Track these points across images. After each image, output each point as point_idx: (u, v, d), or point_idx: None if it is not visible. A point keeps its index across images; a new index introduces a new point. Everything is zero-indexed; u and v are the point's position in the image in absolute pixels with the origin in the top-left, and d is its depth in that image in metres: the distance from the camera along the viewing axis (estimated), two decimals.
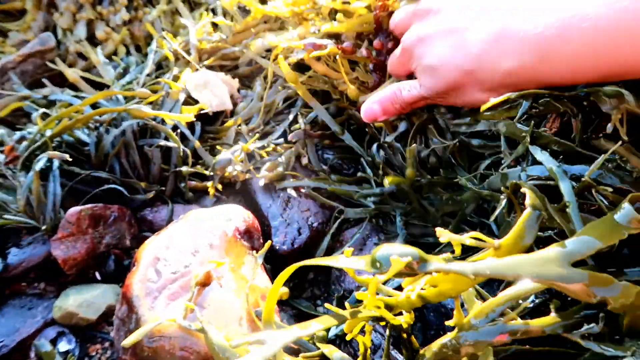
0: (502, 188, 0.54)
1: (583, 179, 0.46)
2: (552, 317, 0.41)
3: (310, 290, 0.76)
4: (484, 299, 0.48)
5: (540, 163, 0.51)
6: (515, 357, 0.45)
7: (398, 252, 0.37)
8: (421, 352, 0.49)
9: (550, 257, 0.36)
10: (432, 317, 0.64)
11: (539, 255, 0.36)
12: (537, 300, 0.47)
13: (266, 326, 0.52)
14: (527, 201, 0.43)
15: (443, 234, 0.39)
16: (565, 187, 0.46)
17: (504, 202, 0.53)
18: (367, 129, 0.78)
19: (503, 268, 0.36)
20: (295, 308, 0.72)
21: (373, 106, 0.68)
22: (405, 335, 0.53)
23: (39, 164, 0.67)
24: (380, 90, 0.70)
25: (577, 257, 0.36)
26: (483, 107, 0.53)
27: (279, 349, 0.41)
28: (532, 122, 0.54)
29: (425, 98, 0.64)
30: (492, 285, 0.55)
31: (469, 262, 0.37)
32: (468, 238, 0.39)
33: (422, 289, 0.43)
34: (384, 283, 0.48)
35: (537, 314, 0.45)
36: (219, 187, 0.81)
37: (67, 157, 0.67)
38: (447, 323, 0.46)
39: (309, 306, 0.73)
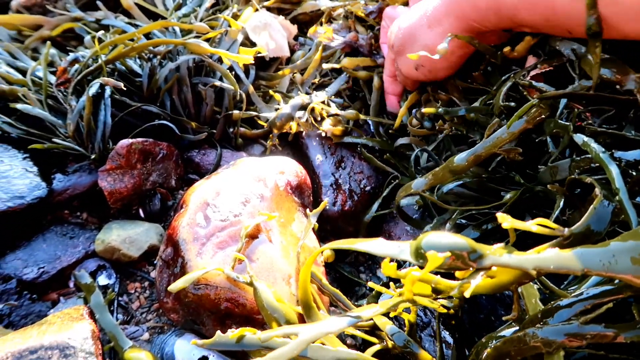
0: (549, 186, 0.49)
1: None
2: (635, 323, 0.36)
3: (354, 255, 0.73)
4: (550, 291, 0.44)
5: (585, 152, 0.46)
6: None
7: (446, 243, 0.33)
8: (482, 341, 0.45)
9: (624, 249, 0.31)
10: (483, 300, 0.60)
11: (609, 246, 0.31)
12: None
13: (304, 303, 0.49)
14: (597, 190, 0.38)
15: (505, 220, 0.34)
16: (614, 172, 0.41)
17: (562, 201, 0.49)
18: None
19: (569, 261, 0.31)
20: (338, 272, 0.70)
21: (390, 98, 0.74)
22: (453, 322, 0.50)
23: (93, 89, 0.63)
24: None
25: None
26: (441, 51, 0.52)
27: (310, 341, 0.38)
28: (575, 111, 0.48)
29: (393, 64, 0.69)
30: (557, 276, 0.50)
31: (529, 255, 0.32)
32: (534, 225, 0.34)
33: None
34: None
35: (609, 315, 0.41)
36: (276, 141, 0.77)
37: (122, 85, 0.64)
38: (505, 318, 0.42)
39: (352, 272, 0.70)
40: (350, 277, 0.69)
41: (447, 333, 0.56)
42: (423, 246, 0.34)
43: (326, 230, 0.71)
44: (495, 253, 0.33)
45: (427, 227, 0.61)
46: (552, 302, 0.40)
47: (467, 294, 0.32)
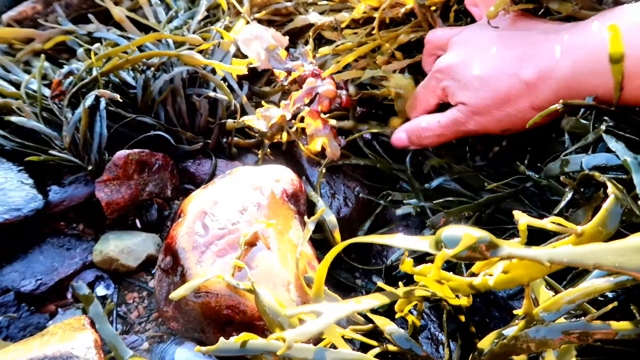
0: (562, 178, 0.51)
1: None
2: (637, 321, 0.38)
3: (350, 263, 0.74)
4: (553, 290, 0.45)
5: (609, 152, 0.48)
6: (583, 353, 0.43)
7: (467, 234, 0.34)
8: (484, 341, 0.46)
9: (634, 247, 0.33)
10: (478, 303, 0.61)
11: (622, 243, 0.33)
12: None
13: (316, 298, 0.50)
14: (610, 189, 0.40)
15: (521, 217, 0.36)
16: (638, 181, 0.43)
17: (569, 195, 0.50)
18: None
19: (582, 256, 0.32)
20: (334, 278, 0.70)
21: (400, 135, 0.67)
22: (463, 318, 0.51)
23: (89, 100, 0.64)
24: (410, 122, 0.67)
25: None
26: (530, 123, 0.52)
27: (334, 321, 0.39)
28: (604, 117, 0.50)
29: (458, 124, 0.59)
30: (560, 278, 0.52)
31: (545, 249, 0.34)
32: (549, 222, 0.36)
33: (489, 274, 0.40)
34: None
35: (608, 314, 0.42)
36: (268, 151, 0.78)
37: (117, 97, 0.65)
38: (515, 312, 0.44)
39: (348, 277, 0.71)
40: (346, 282, 0.70)
41: (442, 334, 0.58)
42: (442, 239, 0.36)
43: (323, 239, 0.72)
44: (512, 245, 0.35)
45: (398, 211, 0.64)
46: (554, 296, 0.41)
47: (491, 283, 0.35)
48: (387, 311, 0.59)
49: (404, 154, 0.71)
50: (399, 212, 0.68)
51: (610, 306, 0.40)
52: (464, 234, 0.34)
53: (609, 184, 0.43)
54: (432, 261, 0.38)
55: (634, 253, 0.32)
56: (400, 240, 0.40)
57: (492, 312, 0.59)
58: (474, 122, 0.58)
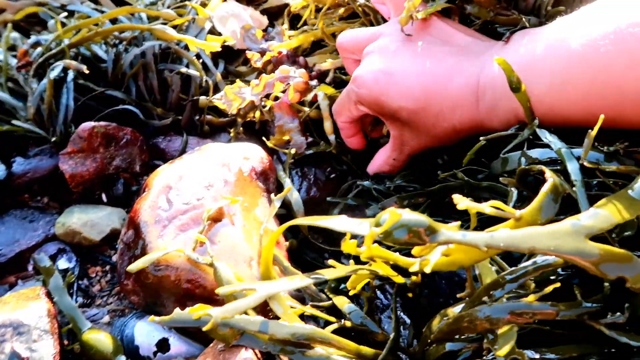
0: (501, 179, 0.51)
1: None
2: (577, 302, 0.38)
3: (318, 242, 0.74)
4: (503, 271, 0.46)
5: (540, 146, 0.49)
6: (532, 336, 0.43)
7: (405, 219, 0.34)
8: (435, 319, 0.47)
9: (567, 230, 0.33)
10: (443, 284, 0.62)
11: (555, 227, 0.33)
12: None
13: (265, 276, 0.50)
14: (547, 174, 0.41)
15: (460, 201, 0.36)
16: (573, 167, 0.43)
17: (515, 192, 0.51)
18: None
19: (518, 240, 0.33)
20: (302, 258, 0.70)
21: (369, 170, 0.67)
22: (410, 295, 0.52)
23: (54, 72, 0.63)
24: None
25: (594, 231, 0.33)
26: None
27: (265, 297, 0.39)
28: None
29: (402, 148, 0.59)
30: (513, 256, 0.52)
31: (482, 233, 0.34)
32: (488, 206, 0.36)
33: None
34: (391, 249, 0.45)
35: (556, 295, 0.43)
36: (241, 129, 0.77)
37: (84, 68, 0.63)
38: (458, 295, 0.44)
39: (316, 257, 0.71)
40: (315, 263, 0.70)
41: (406, 315, 0.58)
42: (382, 222, 0.36)
43: (290, 217, 0.72)
44: (450, 230, 0.35)
45: (368, 211, 0.64)
46: (498, 277, 0.41)
47: (427, 270, 0.34)
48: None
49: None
50: (369, 212, 0.69)
51: (551, 287, 0.40)
52: (390, 211, 0.34)
53: (546, 170, 0.43)
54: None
55: (567, 236, 0.33)
56: (341, 223, 0.40)
57: (456, 293, 0.60)
58: (412, 141, 0.58)
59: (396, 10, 0.59)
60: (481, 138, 0.54)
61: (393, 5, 0.60)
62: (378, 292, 0.62)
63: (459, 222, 0.36)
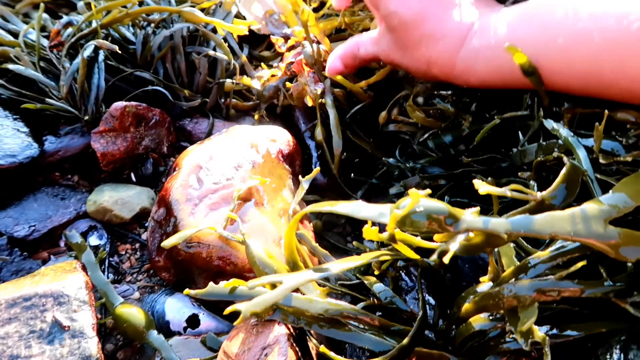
0: (519, 174, 0.51)
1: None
2: (602, 280, 0.39)
3: (342, 225, 0.74)
4: (525, 252, 0.46)
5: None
6: (560, 316, 0.44)
7: (425, 207, 0.34)
8: (462, 295, 0.47)
9: (587, 215, 0.33)
10: (466, 268, 0.62)
11: (575, 211, 0.33)
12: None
13: (289, 260, 0.50)
14: (565, 159, 0.40)
15: (481, 186, 0.36)
16: (582, 155, 0.43)
17: (535, 185, 0.50)
18: None
19: (538, 226, 0.33)
20: (327, 241, 0.71)
21: (336, 62, 0.65)
22: (435, 277, 0.52)
23: (87, 51, 0.64)
24: (342, 44, 0.66)
25: (613, 214, 0.34)
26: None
27: (292, 289, 0.39)
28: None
29: (380, 55, 0.59)
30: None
31: (502, 219, 0.34)
32: (509, 190, 0.36)
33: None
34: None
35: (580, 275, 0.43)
36: (264, 113, 0.78)
37: (116, 48, 0.64)
38: (482, 279, 0.44)
39: (339, 240, 0.72)
40: (337, 245, 0.71)
41: (430, 296, 0.58)
42: (402, 207, 0.36)
43: (316, 200, 0.72)
44: (470, 217, 0.35)
45: (391, 190, 0.64)
46: (524, 260, 0.41)
47: (445, 260, 0.34)
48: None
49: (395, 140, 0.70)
50: (392, 190, 0.69)
51: (578, 265, 0.40)
52: (410, 192, 0.34)
53: (563, 156, 0.43)
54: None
55: (587, 220, 0.33)
56: (360, 209, 0.40)
57: (479, 276, 0.60)
58: (384, 48, 0.57)
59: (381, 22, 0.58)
60: (496, 117, 0.54)
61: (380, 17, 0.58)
62: (403, 275, 0.63)
63: (478, 208, 0.36)
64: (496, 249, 0.44)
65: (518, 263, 0.41)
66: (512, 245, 0.44)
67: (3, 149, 0.60)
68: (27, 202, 0.62)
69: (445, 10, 0.51)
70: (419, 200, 0.34)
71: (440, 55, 0.52)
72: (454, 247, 0.33)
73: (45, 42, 0.71)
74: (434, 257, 0.35)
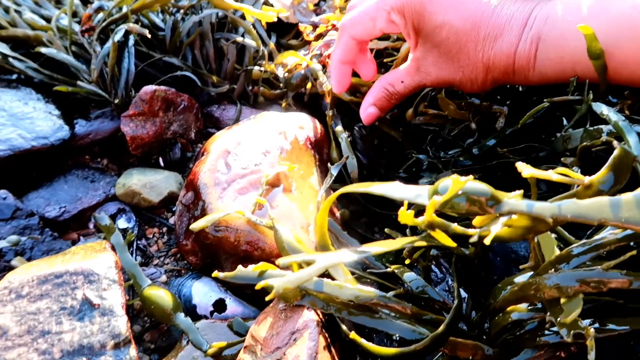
0: (562, 159, 0.49)
1: None
2: None
3: (369, 216, 0.73)
4: (565, 242, 0.44)
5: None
6: (604, 309, 0.42)
7: (468, 188, 0.33)
8: (498, 286, 0.46)
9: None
10: (498, 261, 0.60)
11: (628, 197, 0.31)
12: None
13: (321, 244, 0.49)
14: (615, 143, 0.38)
15: (524, 168, 0.34)
16: (633, 141, 0.41)
17: (578, 171, 0.48)
18: None
19: (586, 211, 0.31)
20: (354, 230, 0.70)
21: (370, 110, 0.62)
22: (469, 267, 0.51)
23: (118, 35, 0.64)
24: (371, 89, 0.62)
25: None
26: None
27: (324, 269, 0.38)
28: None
29: (419, 68, 0.55)
30: (574, 227, 0.51)
31: (547, 203, 0.33)
32: (555, 173, 0.34)
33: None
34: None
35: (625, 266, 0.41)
36: (291, 101, 0.77)
37: (146, 32, 0.64)
38: (522, 267, 0.42)
39: (366, 230, 0.71)
40: (365, 234, 0.70)
41: (462, 289, 0.57)
42: (440, 190, 0.34)
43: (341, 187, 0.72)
44: (514, 200, 0.33)
45: (421, 182, 0.62)
46: (567, 249, 0.40)
47: (487, 241, 0.32)
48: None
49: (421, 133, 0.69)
50: (422, 182, 0.68)
51: (627, 254, 0.38)
52: (452, 179, 0.32)
53: (612, 139, 0.41)
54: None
55: (638, 207, 0.31)
56: (396, 190, 0.38)
57: (512, 271, 0.58)
58: (432, 68, 0.54)
59: (415, 42, 0.55)
60: (545, 100, 0.52)
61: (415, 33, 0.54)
62: (433, 266, 0.61)
63: (521, 191, 0.35)
64: (536, 239, 0.42)
65: (559, 252, 0.40)
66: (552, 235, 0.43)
67: (35, 131, 0.61)
68: (57, 184, 0.62)
69: (496, 6, 0.49)
70: (461, 186, 0.32)
71: (499, 55, 0.49)
72: (495, 229, 0.32)
73: (76, 27, 0.72)
74: (474, 238, 0.34)
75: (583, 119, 0.51)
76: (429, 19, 0.50)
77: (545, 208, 0.32)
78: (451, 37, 0.50)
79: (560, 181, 0.35)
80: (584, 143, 0.47)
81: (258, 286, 0.37)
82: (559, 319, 0.36)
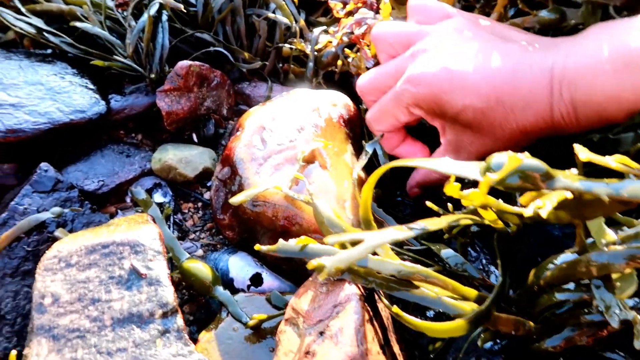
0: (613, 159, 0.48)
1: None
2: None
3: (400, 196, 0.73)
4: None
5: None
6: None
7: (523, 164, 0.32)
8: (542, 264, 0.46)
9: None
10: (533, 242, 0.60)
11: None
12: None
13: (364, 220, 0.49)
14: None
15: (582, 151, 0.34)
16: None
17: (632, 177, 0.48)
18: None
19: None
20: (387, 210, 0.70)
21: (415, 190, 0.63)
22: (509, 246, 0.50)
23: (153, 8, 0.64)
24: (417, 175, 0.62)
25: None
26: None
27: (374, 248, 0.38)
28: None
29: (459, 151, 0.54)
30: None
31: (604, 182, 0.32)
32: (613, 161, 0.33)
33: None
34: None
35: None
36: (321, 80, 0.77)
37: (181, 6, 0.64)
38: (567, 251, 0.42)
39: (398, 209, 0.71)
40: (396, 214, 0.70)
41: (496, 269, 0.57)
42: (492, 165, 0.34)
43: (374, 167, 0.72)
44: (568, 177, 0.33)
45: None
46: (619, 237, 0.39)
47: (544, 214, 0.32)
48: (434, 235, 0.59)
49: None
50: None
51: None
52: (509, 157, 0.32)
53: None
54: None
55: None
56: (446, 165, 0.38)
57: (546, 250, 0.58)
58: (471, 146, 0.53)
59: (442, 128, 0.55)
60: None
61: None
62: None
63: (575, 170, 0.34)
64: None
65: (607, 233, 0.39)
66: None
67: (73, 105, 0.61)
68: (95, 158, 0.63)
69: (519, 75, 0.47)
70: (519, 164, 0.32)
71: (533, 121, 0.48)
72: (550, 202, 0.32)
73: (110, 2, 0.72)
74: (529, 212, 0.34)
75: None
76: (449, 106, 0.50)
77: (602, 187, 0.32)
78: (478, 117, 0.49)
79: (617, 169, 0.34)
80: (638, 145, 0.45)
81: (310, 266, 0.37)
82: (608, 299, 0.35)
